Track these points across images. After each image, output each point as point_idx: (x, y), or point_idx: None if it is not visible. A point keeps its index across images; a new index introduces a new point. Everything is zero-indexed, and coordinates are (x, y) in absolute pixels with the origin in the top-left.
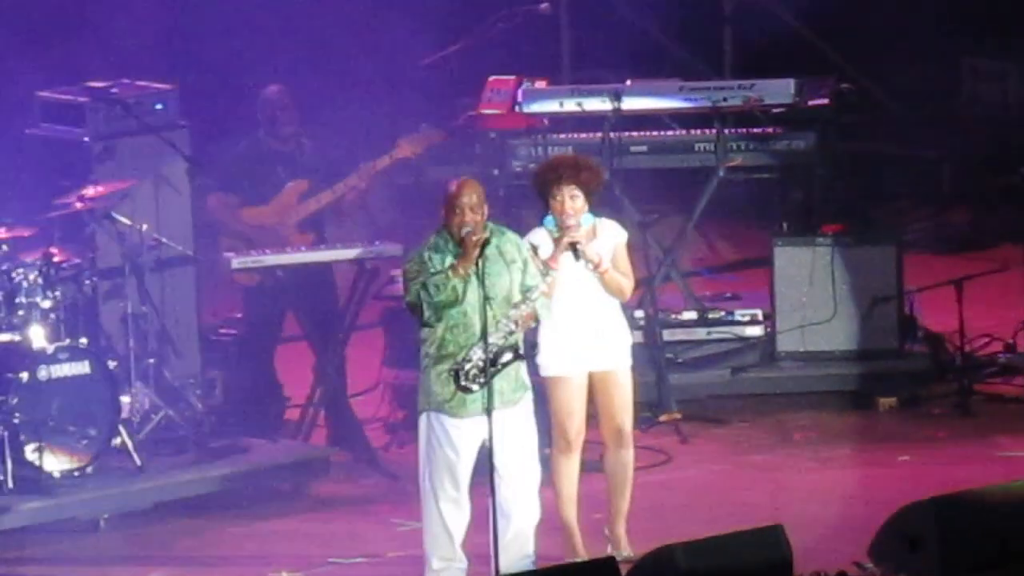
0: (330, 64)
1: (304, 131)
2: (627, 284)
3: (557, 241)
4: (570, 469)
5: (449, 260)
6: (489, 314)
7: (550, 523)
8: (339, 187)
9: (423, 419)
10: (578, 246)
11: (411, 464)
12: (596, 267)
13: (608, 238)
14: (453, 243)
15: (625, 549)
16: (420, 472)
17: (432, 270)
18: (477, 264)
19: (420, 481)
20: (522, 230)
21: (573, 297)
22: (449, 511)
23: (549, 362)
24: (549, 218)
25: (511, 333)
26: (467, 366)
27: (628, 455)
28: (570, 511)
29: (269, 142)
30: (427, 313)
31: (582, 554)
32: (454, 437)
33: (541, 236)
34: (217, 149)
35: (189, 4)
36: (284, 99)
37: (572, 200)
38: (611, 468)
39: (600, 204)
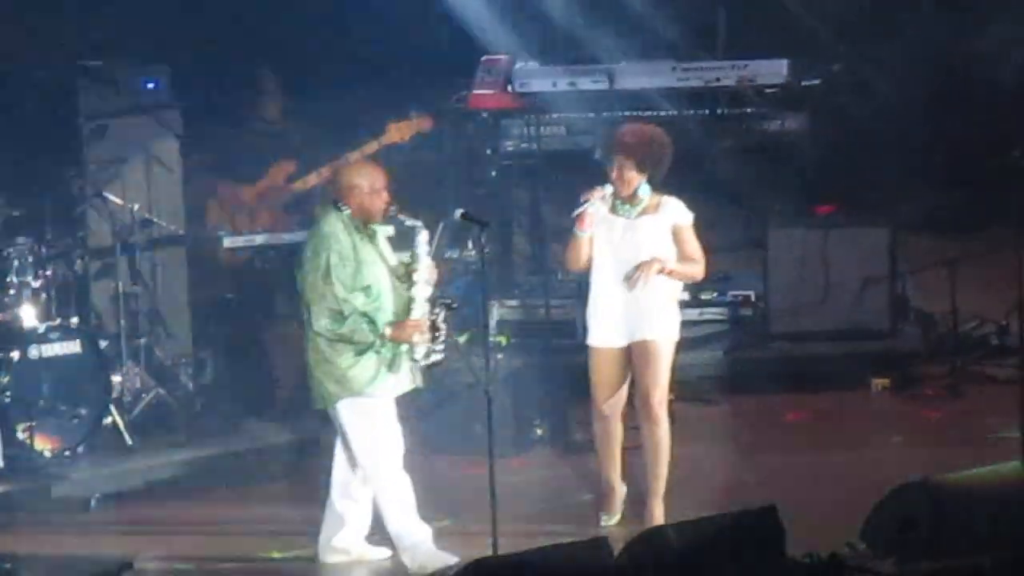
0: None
1: (290, 112)
2: (692, 269)
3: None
4: (604, 433)
5: (360, 244)
6: (399, 292)
7: (555, 502)
8: (326, 169)
9: (345, 406)
10: (588, 208)
11: None
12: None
13: (667, 216)
14: (356, 223)
15: None
16: (362, 458)
17: (348, 256)
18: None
19: (365, 467)
20: (515, 208)
21: (617, 267)
22: (404, 487)
23: (590, 330)
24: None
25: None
26: (416, 348)
27: (657, 431)
28: (610, 473)
29: (253, 124)
30: (330, 336)
31: (614, 513)
32: (384, 414)
33: None
34: (206, 129)
35: None
36: (265, 82)
37: (620, 169)
38: (643, 444)
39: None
